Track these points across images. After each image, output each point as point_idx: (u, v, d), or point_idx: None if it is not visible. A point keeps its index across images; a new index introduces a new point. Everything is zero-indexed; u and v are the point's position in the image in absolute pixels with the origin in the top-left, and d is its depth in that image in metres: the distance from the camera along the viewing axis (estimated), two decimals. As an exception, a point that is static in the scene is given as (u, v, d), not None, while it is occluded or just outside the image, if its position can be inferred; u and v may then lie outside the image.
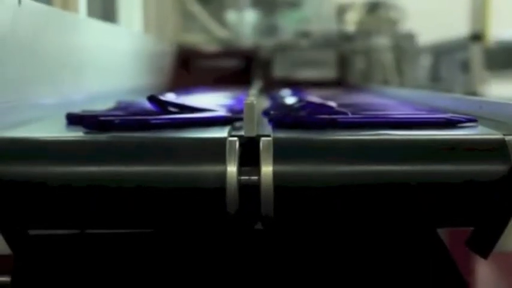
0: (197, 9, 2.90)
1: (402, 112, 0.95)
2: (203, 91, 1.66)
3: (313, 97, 1.12)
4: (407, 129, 0.75)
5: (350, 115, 0.81)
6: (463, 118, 0.81)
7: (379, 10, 2.75)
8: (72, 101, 1.13)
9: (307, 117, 0.78)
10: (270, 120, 0.78)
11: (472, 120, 0.82)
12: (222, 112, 0.86)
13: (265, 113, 0.89)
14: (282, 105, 1.06)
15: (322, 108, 0.89)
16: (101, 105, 1.06)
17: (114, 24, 1.96)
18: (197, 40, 2.84)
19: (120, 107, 1.05)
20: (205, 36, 2.86)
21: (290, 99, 1.17)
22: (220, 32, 2.90)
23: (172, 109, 0.85)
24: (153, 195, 0.66)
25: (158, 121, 0.76)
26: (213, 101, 1.17)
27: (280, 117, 0.77)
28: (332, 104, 0.94)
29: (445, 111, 0.94)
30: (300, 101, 1.05)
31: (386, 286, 0.74)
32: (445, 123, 0.79)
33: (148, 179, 0.66)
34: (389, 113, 0.89)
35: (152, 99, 0.85)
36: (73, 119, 0.84)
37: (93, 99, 1.21)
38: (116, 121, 0.73)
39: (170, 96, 1.21)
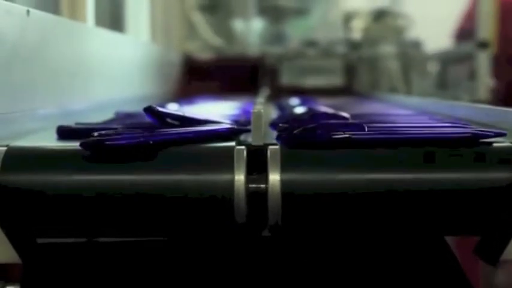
0: (201, 19, 2.91)
1: (422, 126, 0.85)
2: (209, 100, 1.66)
3: (324, 107, 1.06)
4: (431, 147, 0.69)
5: (366, 130, 0.74)
6: (492, 132, 0.73)
7: (386, 18, 2.76)
8: (80, 110, 1.13)
9: (319, 136, 0.71)
10: (278, 138, 0.73)
11: (502, 134, 0.74)
12: (226, 125, 0.81)
13: (273, 125, 0.85)
14: (291, 116, 1.01)
15: (335, 119, 0.85)
16: (107, 115, 1.06)
17: (122, 33, 1.97)
18: (203, 49, 2.84)
19: (118, 118, 1.02)
20: (208, 45, 2.87)
21: (299, 109, 1.12)
22: (225, 42, 2.90)
23: (171, 121, 0.79)
24: (161, 203, 0.66)
25: (156, 138, 0.70)
26: (218, 111, 1.15)
27: (290, 137, 0.71)
28: (345, 114, 0.91)
29: (466, 123, 0.86)
30: (310, 111, 1.01)
31: (394, 294, 0.74)
32: (471, 139, 0.71)
33: (156, 187, 0.66)
34: (408, 127, 0.81)
35: (149, 111, 0.78)
36: (63, 133, 0.79)
37: (101, 108, 1.21)
38: (108, 143, 0.67)
39: (172, 107, 1.20)
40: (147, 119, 0.81)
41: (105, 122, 0.95)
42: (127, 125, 0.83)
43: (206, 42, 2.84)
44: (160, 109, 0.78)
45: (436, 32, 2.77)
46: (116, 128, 0.78)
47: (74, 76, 1.13)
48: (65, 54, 1.09)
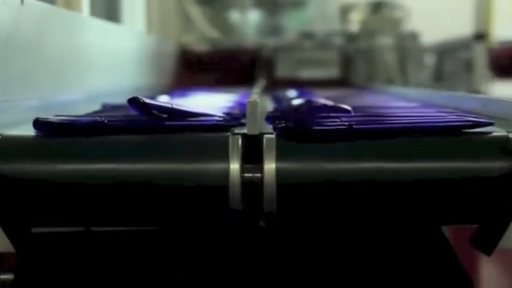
0: (194, 10, 2.90)
1: (418, 116, 0.84)
2: (205, 91, 1.65)
3: (323, 99, 1.00)
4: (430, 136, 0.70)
5: (360, 119, 0.74)
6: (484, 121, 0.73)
7: (383, 10, 2.76)
8: (75, 100, 1.13)
9: (320, 130, 0.69)
10: (275, 129, 0.71)
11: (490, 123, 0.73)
12: (216, 117, 0.76)
13: (269, 118, 0.81)
14: (288, 108, 0.97)
15: (335, 112, 0.81)
16: (95, 106, 1.05)
17: (118, 24, 1.97)
18: (200, 40, 2.84)
19: (104, 110, 1.01)
20: (204, 37, 2.86)
21: (296, 102, 1.06)
22: (214, 34, 2.90)
23: (158, 114, 0.73)
24: (157, 192, 0.66)
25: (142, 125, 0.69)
26: (211, 103, 1.14)
27: (288, 127, 0.70)
28: (346, 107, 0.86)
29: (468, 112, 0.85)
30: (307, 103, 0.96)
31: (391, 284, 0.73)
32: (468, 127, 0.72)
33: (152, 176, 0.66)
34: (403, 117, 0.80)
35: (133, 102, 0.72)
36: (40, 126, 0.71)
37: (96, 98, 1.21)
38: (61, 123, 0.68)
39: (163, 99, 1.18)
40: (133, 111, 0.75)
41: (88, 114, 0.91)
42: (111, 117, 0.77)
43: (202, 34, 2.84)
44: (146, 100, 0.72)
45: (433, 23, 2.77)
46: (99, 121, 0.72)
47: (68, 66, 1.13)
48: (60, 45, 1.08)
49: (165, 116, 0.73)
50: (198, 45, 2.76)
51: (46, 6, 1.04)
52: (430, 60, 2.72)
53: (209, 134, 0.71)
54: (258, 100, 0.71)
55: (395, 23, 2.73)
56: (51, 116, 0.74)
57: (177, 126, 0.71)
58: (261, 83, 1.51)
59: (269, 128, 0.76)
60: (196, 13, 2.86)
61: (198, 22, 2.86)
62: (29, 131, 0.75)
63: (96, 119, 0.71)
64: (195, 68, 2.59)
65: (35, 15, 0.96)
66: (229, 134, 0.70)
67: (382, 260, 0.74)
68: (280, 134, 0.70)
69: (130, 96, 0.73)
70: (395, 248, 0.74)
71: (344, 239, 0.74)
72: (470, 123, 0.72)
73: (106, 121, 0.70)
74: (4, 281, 0.73)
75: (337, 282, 0.74)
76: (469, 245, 0.72)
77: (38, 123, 0.70)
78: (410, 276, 0.74)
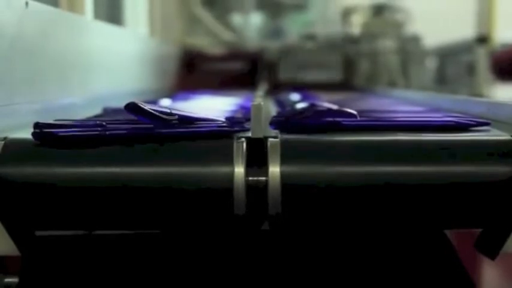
0: (202, 12, 2.90)
1: (413, 115, 0.89)
2: (207, 94, 1.65)
3: (327, 103, 0.98)
4: (412, 133, 0.73)
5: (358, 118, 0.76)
6: (474, 121, 0.78)
7: (385, 13, 2.76)
8: (78, 103, 1.13)
9: (309, 121, 0.71)
10: (271, 124, 0.71)
11: (484, 123, 0.79)
12: (219, 123, 0.74)
13: (273, 124, 0.78)
14: (292, 112, 0.91)
15: (341, 117, 0.79)
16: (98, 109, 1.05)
17: (120, 27, 1.97)
18: (202, 43, 2.84)
19: (105, 113, 1.01)
20: (211, 39, 2.87)
21: (301, 105, 1.05)
22: (225, 35, 2.90)
23: (157, 118, 0.70)
24: (161, 196, 0.66)
25: (113, 132, 0.68)
26: (214, 107, 1.13)
27: (283, 122, 0.70)
28: (352, 111, 0.83)
29: (468, 116, 0.88)
30: (312, 107, 0.92)
31: (394, 286, 0.74)
32: (454, 127, 0.77)
33: (156, 180, 0.66)
34: (397, 115, 0.84)
35: (130, 108, 0.69)
36: (39, 138, 0.68)
37: (98, 101, 1.21)
38: (60, 134, 0.67)
39: (164, 103, 1.17)
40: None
41: (89, 119, 0.91)
42: (111, 122, 0.75)
43: (210, 36, 2.84)
44: (147, 106, 0.70)
45: (435, 26, 2.77)
46: (100, 125, 0.71)
47: (71, 69, 1.13)
48: (63, 47, 1.08)
49: (166, 120, 0.71)
50: (202, 48, 2.77)
51: (50, 9, 1.04)
52: (432, 63, 2.72)
53: (213, 137, 0.71)
54: (262, 104, 0.72)
55: (397, 26, 2.73)
56: (51, 121, 0.73)
57: (177, 133, 0.70)
58: (263, 86, 1.51)
59: (273, 131, 0.76)
60: (206, 16, 2.86)
61: (210, 25, 2.86)
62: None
63: (96, 131, 0.69)
64: (197, 71, 2.59)
65: (39, 18, 0.96)
66: (233, 137, 0.70)
67: (386, 262, 0.74)
68: (277, 125, 0.71)
69: (129, 101, 0.71)
70: (399, 251, 0.74)
71: (348, 242, 0.74)
72: (452, 123, 0.77)
73: (107, 132, 0.68)
74: (9, 284, 0.73)
75: (341, 284, 0.74)
76: (472, 249, 0.72)
77: (36, 135, 0.68)
78: (414, 278, 0.74)
